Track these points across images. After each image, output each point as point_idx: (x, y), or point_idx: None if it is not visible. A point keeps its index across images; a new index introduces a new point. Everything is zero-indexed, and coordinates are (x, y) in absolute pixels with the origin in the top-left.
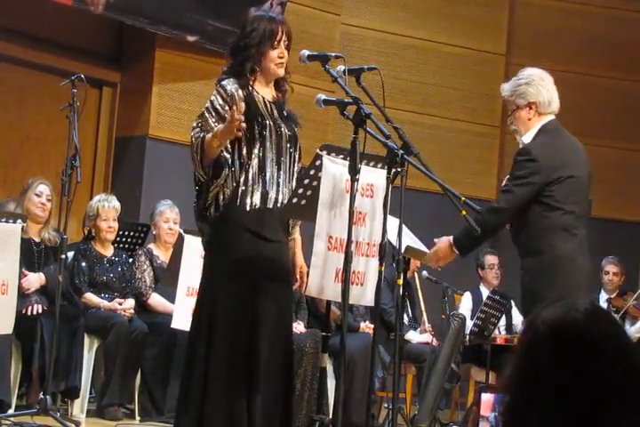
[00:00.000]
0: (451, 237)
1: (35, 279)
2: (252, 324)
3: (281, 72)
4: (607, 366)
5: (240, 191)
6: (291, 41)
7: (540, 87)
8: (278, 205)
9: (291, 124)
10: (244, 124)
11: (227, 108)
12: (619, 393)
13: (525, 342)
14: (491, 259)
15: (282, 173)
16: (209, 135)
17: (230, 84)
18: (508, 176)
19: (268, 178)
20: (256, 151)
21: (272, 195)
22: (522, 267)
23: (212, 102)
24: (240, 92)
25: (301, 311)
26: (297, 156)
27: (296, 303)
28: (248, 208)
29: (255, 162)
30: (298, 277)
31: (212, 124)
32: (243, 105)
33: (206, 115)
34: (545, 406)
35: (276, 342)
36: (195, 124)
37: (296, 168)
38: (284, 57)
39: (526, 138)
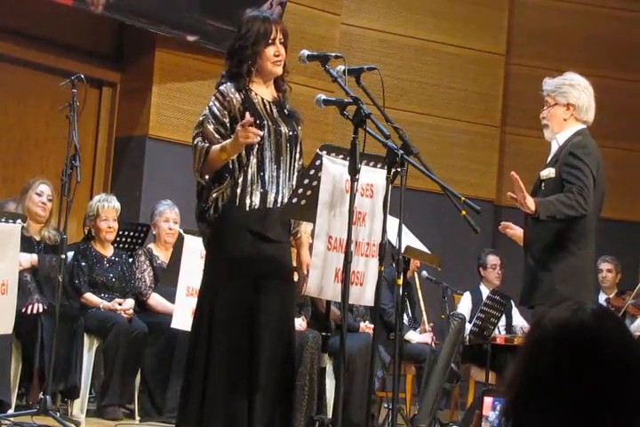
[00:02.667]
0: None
1: (25, 258)
2: (252, 324)
3: (278, 71)
4: (612, 367)
5: (239, 192)
6: (287, 39)
7: (582, 93)
8: (278, 204)
9: (292, 122)
10: (260, 132)
11: (225, 112)
12: (623, 394)
13: (531, 342)
14: (493, 259)
15: (281, 172)
16: (216, 147)
17: (227, 89)
18: (550, 169)
19: (267, 178)
20: (254, 152)
21: (272, 195)
22: (541, 260)
23: (209, 108)
24: (237, 95)
25: (305, 308)
26: (297, 154)
27: (301, 302)
28: (248, 208)
29: (254, 162)
30: (303, 275)
31: (213, 132)
32: (248, 116)
33: (205, 123)
34: (548, 405)
35: (277, 342)
36: (195, 133)
37: (297, 167)
38: (281, 55)
39: (561, 137)
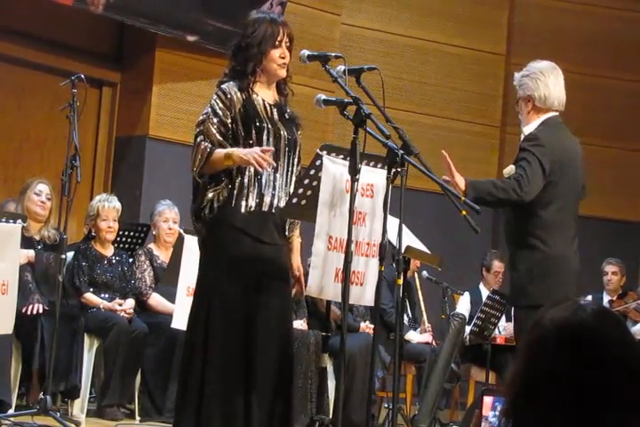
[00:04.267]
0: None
1: (22, 253)
2: (248, 324)
3: (283, 73)
4: (611, 367)
5: (235, 193)
6: (292, 42)
7: (538, 82)
8: (273, 208)
9: (292, 127)
10: (273, 163)
11: (227, 112)
12: (622, 394)
13: (530, 341)
14: (498, 265)
15: (278, 176)
16: (220, 152)
17: (229, 88)
18: (511, 166)
19: (264, 181)
20: None
21: (267, 198)
22: (511, 259)
23: (211, 107)
24: (239, 95)
25: (301, 309)
26: (296, 159)
27: (296, 302)
28: (243, 210)
29: None
30: (296, 278)
31: (214, 131)
32: (272, 149)
33: (207, 122)
34: (548, 405)
35: (274, 342)
36: (197, 132)
37: (295, 172)
38: (286, 58)
39: (527, 130)
